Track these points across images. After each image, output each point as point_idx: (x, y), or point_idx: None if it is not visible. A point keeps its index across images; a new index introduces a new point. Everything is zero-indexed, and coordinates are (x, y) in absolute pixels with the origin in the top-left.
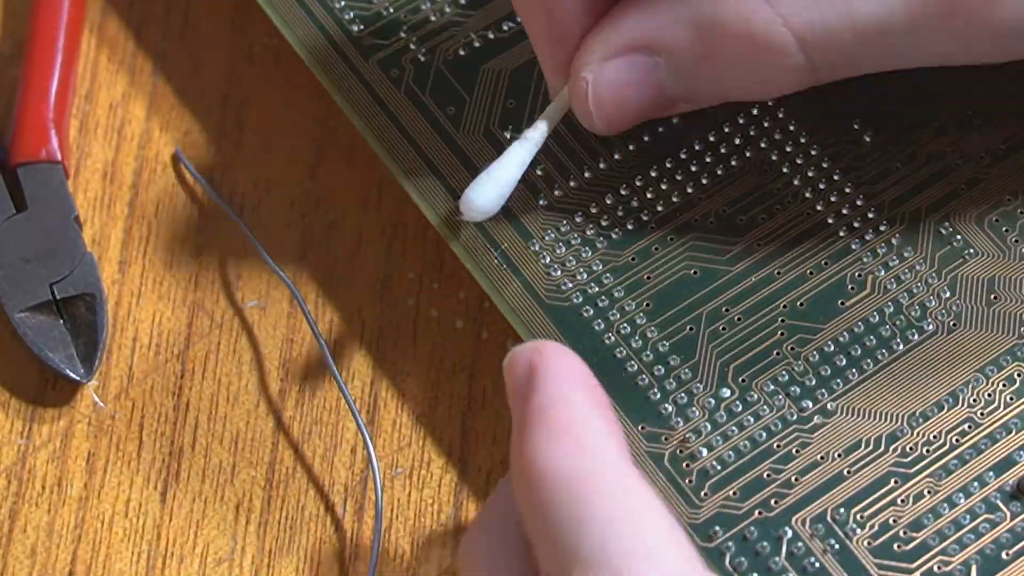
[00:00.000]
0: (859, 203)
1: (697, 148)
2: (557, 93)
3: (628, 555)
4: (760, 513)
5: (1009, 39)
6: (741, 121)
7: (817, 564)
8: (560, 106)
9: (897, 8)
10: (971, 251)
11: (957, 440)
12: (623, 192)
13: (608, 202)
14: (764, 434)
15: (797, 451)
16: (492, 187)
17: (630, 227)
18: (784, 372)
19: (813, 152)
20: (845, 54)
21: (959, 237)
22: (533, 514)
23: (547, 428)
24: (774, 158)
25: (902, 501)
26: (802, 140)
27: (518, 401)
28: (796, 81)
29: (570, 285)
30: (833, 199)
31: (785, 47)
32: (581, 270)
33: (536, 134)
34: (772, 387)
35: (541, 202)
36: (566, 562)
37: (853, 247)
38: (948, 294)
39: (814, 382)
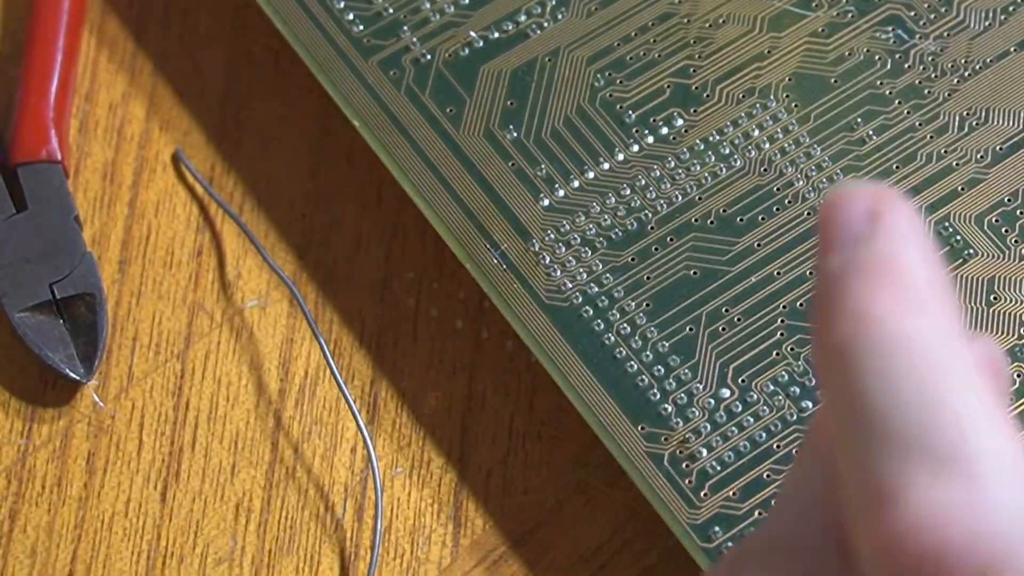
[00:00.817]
0: None
1: (698, 148)
2: None
3: (995, 462)
4: (760, 514)
5: None
6: (742, 121)
7: None
8: None
9: None
10: (971, 251)
11: None
12: (624, 193)
13: (609, 203)
14: (764, 435)
15: (797, 452)
16: None
17: (630, 227)
18: (784, 372)
19: (813, 152)
20: None
21: (959, 237)
22: (863, 385)
23: (896, 283)
24: (774, 158)
25: None
26: (802, 140)
27: (847, 244)
28: None
29: (570, 286)
30: None
31: None
32: (581, 271)
33: None
34: (772, 387)
35: (542, 202)
36: (901, 452)
37: None
38: None
39: (814, 383)
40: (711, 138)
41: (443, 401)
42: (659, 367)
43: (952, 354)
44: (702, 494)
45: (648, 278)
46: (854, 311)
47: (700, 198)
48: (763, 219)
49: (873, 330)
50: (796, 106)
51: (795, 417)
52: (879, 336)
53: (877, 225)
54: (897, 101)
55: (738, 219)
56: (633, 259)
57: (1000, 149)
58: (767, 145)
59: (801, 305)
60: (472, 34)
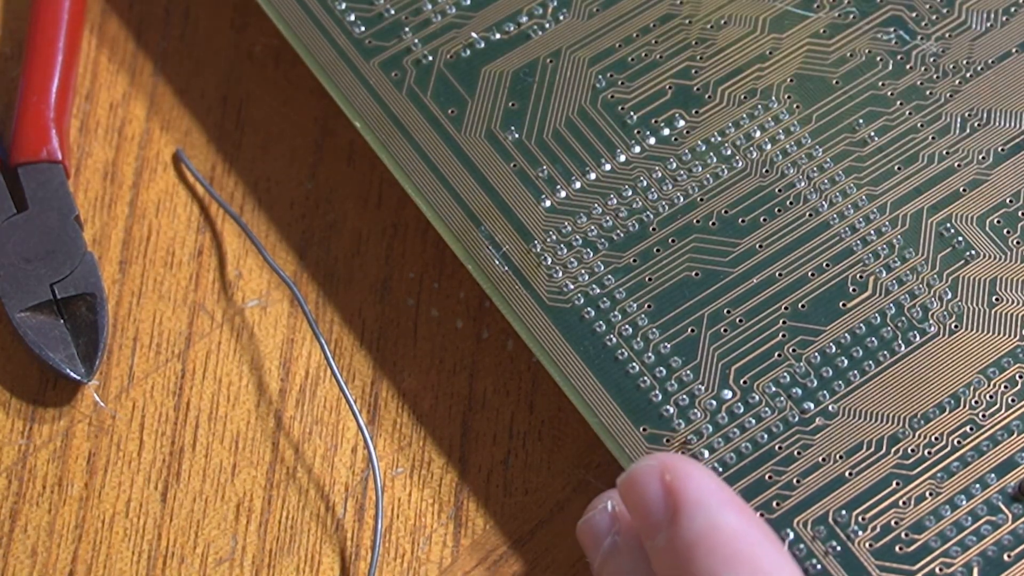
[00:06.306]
0: (861, 204)
1: (699, 150)
2: None
3: None
4: (762, 515)
5: None
6: (743, 123)
7: (819, 566)
8: None
9: None
10: (972, 252)
11: (959, 442)
12: (625, 194)
13: (611, 204)
14: (766, 436)
15: (799, 453)
16: None
17: (632, 229)
18: (786, 374)
19: (815, 154)
20: None
21: (960, 238)
22: None
23: (718, 556)
24: (776, 160)
25: (904, 503)
26: (804, 142)
27: (656, 525)
28: None
29: (572, 287)
30: (835, 200)
31: None
32: (583, 272)
33: None
34: (774, 389)
35: (544, 204)
36: None
37: (855, 248)
38: (950, 295)
39: (816, 384)
40: (712, 139)
41: (443, 401)
42: (661, 368)
43: None
44: None
45: (650, 279)
46: None
47: (702, 199)
48: (765, 220)
49: None
50: (798, 107)
51: (797, 418)
52: None
53: (677, 502)
54: (899, 102)
55: (740, 220)
56: (635, 260)
57: (1002, 150)
58: (769, 146)
59: (803, 306)
60: (473, 35)
